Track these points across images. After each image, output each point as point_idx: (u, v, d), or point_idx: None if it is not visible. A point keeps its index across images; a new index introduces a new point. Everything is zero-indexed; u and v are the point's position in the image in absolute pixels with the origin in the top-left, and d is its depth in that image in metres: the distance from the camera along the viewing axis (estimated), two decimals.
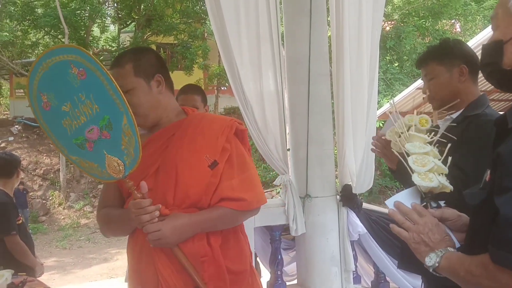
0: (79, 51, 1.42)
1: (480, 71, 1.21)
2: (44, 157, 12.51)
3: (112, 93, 1.41)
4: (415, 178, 1.21)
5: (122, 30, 14.53)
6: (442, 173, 1.25)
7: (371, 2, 3.04)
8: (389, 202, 1.22)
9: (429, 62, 1.76)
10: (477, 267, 0.97)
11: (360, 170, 3.16)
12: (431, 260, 1.07)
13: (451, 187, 1.23)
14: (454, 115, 1.70)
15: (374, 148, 1.83)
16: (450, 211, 1.16)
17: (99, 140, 1.47)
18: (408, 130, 1.34)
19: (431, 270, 1.08)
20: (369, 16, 3.04)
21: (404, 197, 1.22)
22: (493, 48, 1.07)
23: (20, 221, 3.33)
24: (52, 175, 12.07)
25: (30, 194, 11.35)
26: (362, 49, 3.07)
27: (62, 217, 11.25)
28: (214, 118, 1.66)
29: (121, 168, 1.46)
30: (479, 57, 1.18)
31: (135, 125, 1.42)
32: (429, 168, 1.22)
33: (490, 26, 1.13)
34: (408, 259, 1.64)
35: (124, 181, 1.47)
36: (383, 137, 1.68)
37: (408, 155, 1.28)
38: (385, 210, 3.93)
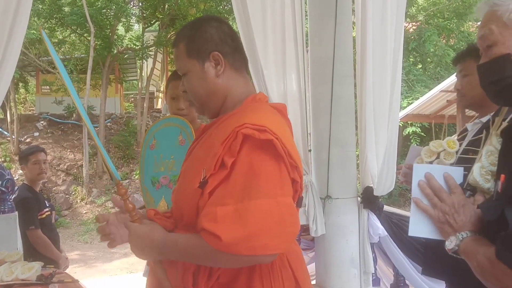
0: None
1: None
2: (68, 153, 12.78)
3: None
4: (476, 168, 1.13)
5: (146, 29, 14.69)
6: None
7: (395, 2, 3.01)
8: (419, 168, 1.13)
9: (467, 59, 1.71)
10: (486, 261, 0.95)
11: (382, 172, 3.14)
12: (451, 243, 1.06)
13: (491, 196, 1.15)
14: (484, 119, 1.64)
15: (402, 178, 1.76)
16: (479, 199, 1.12)
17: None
18: (437, 157, 1.30)
19: (450, 253, 1.06)
20: (393, 17, 3.02)
21: (440, 172, 1.13)
22: (501, 64, 1.03)
23: (44, 215, 3.41)
24: (75, 171, 12.31)
25: (54, 188, 11.62)
26: (385, 50, 3.04)
27: (84, 212, 11.47)
28: (238, 117, 1.20)
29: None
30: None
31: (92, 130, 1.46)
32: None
33: None
34: (432, 265, 1.62)
35: (117, 186, 1.36)
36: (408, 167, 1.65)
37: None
38: (406, 213, 3.90)
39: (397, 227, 3.26)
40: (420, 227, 1.13)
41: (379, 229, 3.16)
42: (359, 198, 3.21)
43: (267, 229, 1.07)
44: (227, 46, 1.27)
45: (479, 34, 1.09)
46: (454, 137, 1.74)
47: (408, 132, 12.22)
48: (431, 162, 1.29)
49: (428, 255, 1.70)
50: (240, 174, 1.11)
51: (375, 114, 3.10)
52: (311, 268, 3.59)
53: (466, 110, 9.22)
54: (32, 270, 1.99)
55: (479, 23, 1.13)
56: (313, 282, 3.42)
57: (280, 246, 1.10)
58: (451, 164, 1.25)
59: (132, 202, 1.32)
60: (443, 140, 1.32)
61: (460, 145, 1.38)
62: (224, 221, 1.07)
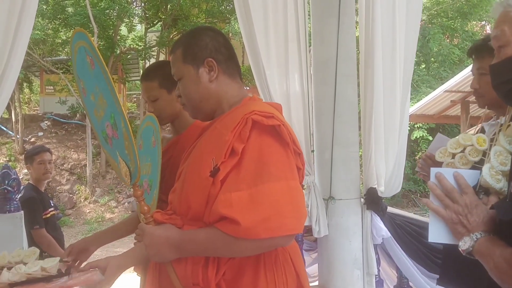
0: (85, 37, 1.32)
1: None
2: (72, 153, 12.82)
3: (110, 89, 1.30)
4: (485, 169, 1.10)
5: (149, 30, 14.73)
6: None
7: (405, 2, 2.95)
8: (436, 172, 1.09)
9: (486, 56, 1.51)
10: (503, 262, 0.95)
11: (392, 175, 3.10)
12: (465, 243, 1.04)
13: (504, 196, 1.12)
14: (502, 120, 1.52)
15: (420, 170, 1.64)
16: (493, 200, 1.11)
17: (113, 139, 1.35)
18: (464, 151, 1.22)
19: (464, 254, 1.05)
20: (402, 16, 2.94)
21: (451, 173, 1.10)
22: (511, 64, 1.05)
23: (49, 215, 3.43)
24: (79, 170, 12.36)
25: (58, 188, 11.66)
26: (395, 51, 2.96)
27: (88, 211, 11.50)
28: (243, 109, 1.26)
29: (127, 173, 1.35)
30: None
31: (130, 130, 1.28)
32: (508, 169, 1.09)
33: None
34: (451, 276, 1.56)
35: (134, 188, 1.37)
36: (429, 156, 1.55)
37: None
38: (410, 215, 3.88)
39: (400, 229, 3.23)
40: (440, 233, 1.10)
41: (383, 231, 3.14)
42: (362, 199, 3.20)
43: (282, 210, 1.12)
44: (220, 54, 1.34)
45: (492, 34, 1.10)
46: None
47: (416, 137, 12.18)
48: (454, 155, 1.25)
49: (447, 265, 1.62)
50: (251, 160, 1.16)
51: (384, 115, 3.03)
52: (314, 269, 3.58)
53: (471, 110, 9.17)
54: (55, 261, 1.95)
55: (483, 23, 1.13)
56: (316, 283, 3.41)
57: (296, 226, 1.14)
58: (475, 162, 1.21)
59: (147, 204, 1.35)
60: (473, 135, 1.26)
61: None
62: (240, 206, 1.11)
